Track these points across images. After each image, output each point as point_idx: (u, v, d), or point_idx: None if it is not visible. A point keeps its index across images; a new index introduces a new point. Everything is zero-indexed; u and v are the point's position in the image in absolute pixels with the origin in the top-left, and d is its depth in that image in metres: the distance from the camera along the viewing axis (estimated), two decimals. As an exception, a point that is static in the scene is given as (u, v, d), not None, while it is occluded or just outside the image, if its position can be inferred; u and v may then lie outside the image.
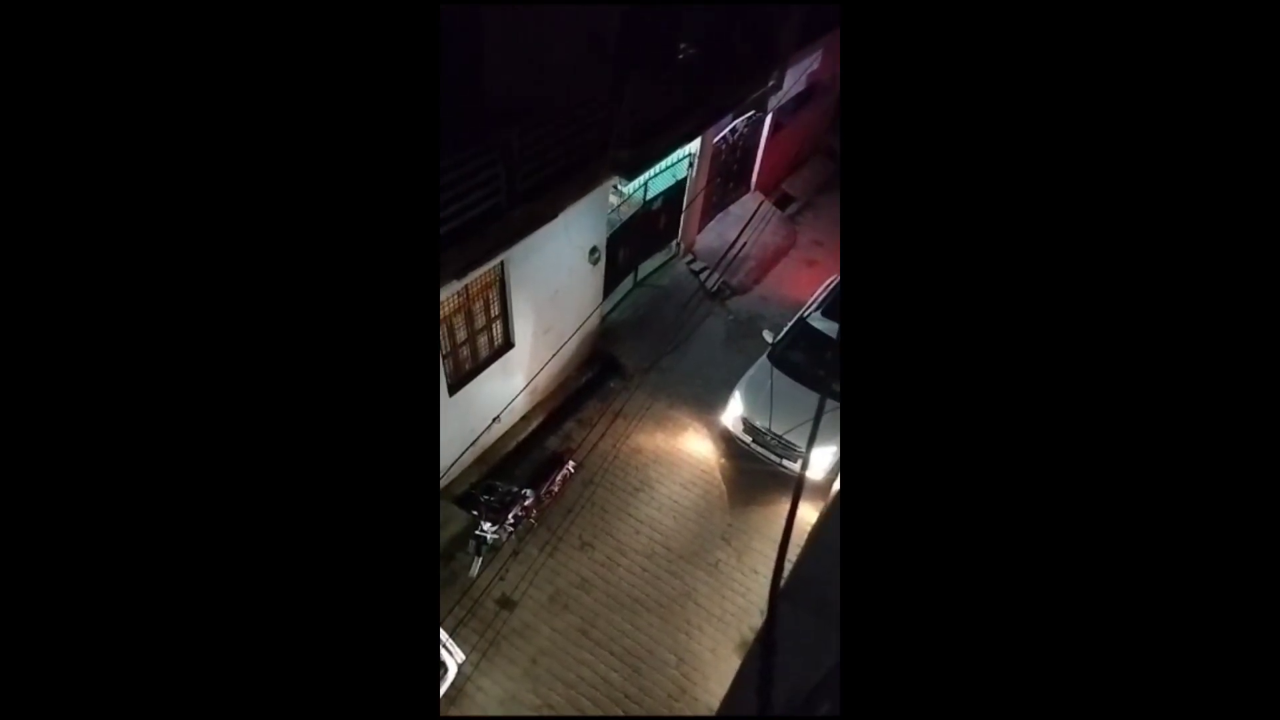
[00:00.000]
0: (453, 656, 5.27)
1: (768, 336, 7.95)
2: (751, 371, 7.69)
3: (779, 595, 2.30)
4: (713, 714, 5.66)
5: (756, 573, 6.64)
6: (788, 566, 2.72)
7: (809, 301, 8.52)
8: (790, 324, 8.09)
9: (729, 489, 7.34)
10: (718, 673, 5.93)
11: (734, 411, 7.45)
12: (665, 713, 5.69)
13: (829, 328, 7.85)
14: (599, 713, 5.64)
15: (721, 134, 8.98)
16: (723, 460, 7.58)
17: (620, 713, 5.65)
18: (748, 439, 7.41)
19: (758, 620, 6.28)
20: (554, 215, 5.79)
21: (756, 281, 9.94)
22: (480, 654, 5.81)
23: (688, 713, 5.70)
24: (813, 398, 7.20)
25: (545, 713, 5.59)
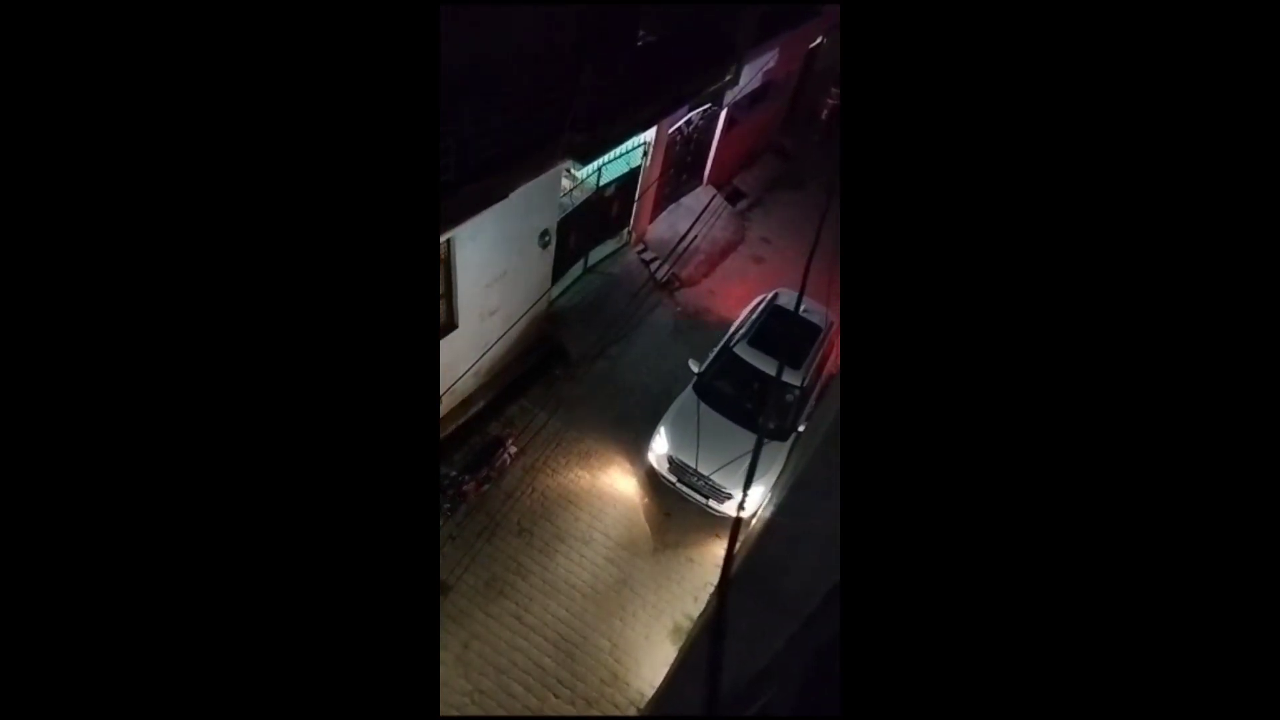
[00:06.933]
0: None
1: (693, 366, 7.43)
2: (677, 404, 7.22)
3: (729, 584, 2.31)
4: (654, 699, 5.72)
5: (693, 562, 6.73)
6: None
7: (734, 325, 7.99)
8: (715, 351, 7.64)
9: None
10: (650, 659, 6.00)
11: (659, 449, 6.93)
12: (596, 698, 5.71)
13: (757, 358, 7.35)
14: (531, 698, 5.62)
15: (677, 125, 8.99)
16: (664, 450, 7.62)
17: (552, 698, 5.65)
18: (673, 479, 6.93)
19: (692, 607, 6.38)
20: (505, 195, 5.68)
21: (705, 275, 10.02)
22: (410, 639, 5.70)
23: (619, 698, 5.75)
24: (739, 434, 6.85)
25: (475, 698, 5.53)
